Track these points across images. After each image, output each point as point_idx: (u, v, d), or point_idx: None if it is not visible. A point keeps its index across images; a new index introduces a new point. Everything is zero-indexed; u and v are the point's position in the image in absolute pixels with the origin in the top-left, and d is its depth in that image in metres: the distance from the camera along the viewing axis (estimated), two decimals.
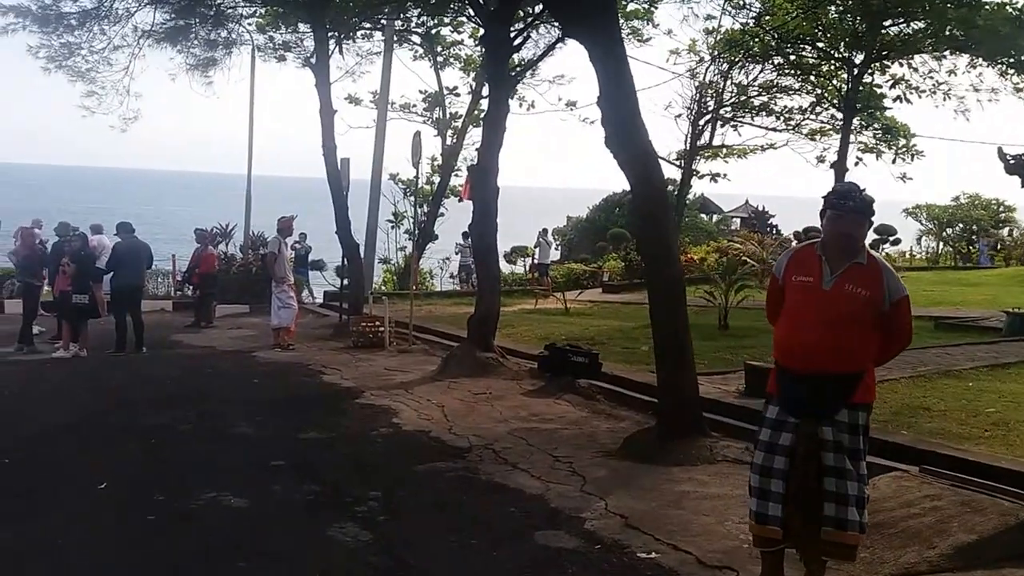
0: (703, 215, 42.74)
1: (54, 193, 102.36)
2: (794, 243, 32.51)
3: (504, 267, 30.63)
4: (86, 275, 13.12)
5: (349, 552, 5.19)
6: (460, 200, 28.38)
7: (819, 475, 4.18)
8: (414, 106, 27.58)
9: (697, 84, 25.28)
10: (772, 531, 4.26)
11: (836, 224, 4.28)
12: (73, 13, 16.68)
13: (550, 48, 13.03)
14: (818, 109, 23.52)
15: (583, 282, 28.36)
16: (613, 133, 7.20)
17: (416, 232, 21.88)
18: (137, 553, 5.23)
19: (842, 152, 20.90)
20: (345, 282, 24.20)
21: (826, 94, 22.52)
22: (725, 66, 24.57)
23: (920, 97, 20.46)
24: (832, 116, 23.15)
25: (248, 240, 22.82)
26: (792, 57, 22.36)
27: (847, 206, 4.26)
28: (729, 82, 24.84)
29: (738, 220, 43.61)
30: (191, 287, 18.98)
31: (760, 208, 42.88)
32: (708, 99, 25.58)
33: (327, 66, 16.29)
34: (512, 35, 11.69)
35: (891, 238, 36.23)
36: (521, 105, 25.65)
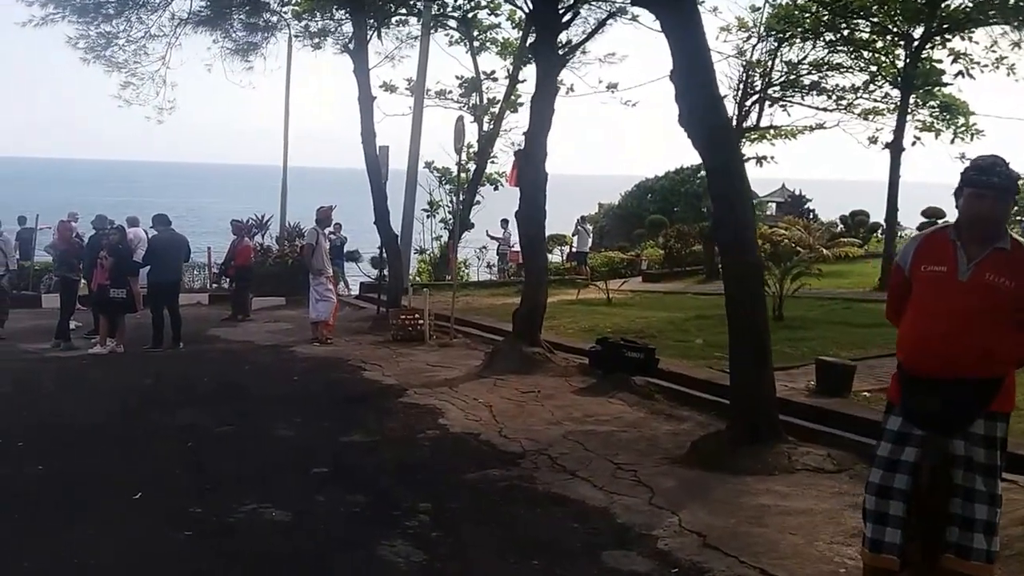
0: None
1: (89, 187, 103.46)
2: (840, 228, 31.75)
3: None
4: (124, 269, 12.84)
5: (401, 575, 4.75)
6: (496, 189, 27.97)
7: (945, 495, 3.65)
8: (450, 92, 27.09)
9: (744, 63, 24.51)
10: (888, 560, 3.73)
11: (976, 204, 3.68)
12: (111, 2, 16.45)
13: (602, 24, 12.49)
14: (872, 87, 22.57)
15: (621, 271, 27.88)
16: (689, 110, 6.62)
17: (454, 221, 21.41)
18: (173, 574, 4.85)
19: (898, 131, 20.07)
20: (383, 273, 24.06)
21: (881, 71, 21.60)
22: (774, 43, 23.78)
23: (983, 72, 19.53)
24: (886, 94, 22.24)
25: (284, 231, 22.54)
26: (846, 32, 21.48)
27: (990, 183, 3.65)
28: (778, 60, 24.04)
29: (773, 205, 42.66)
30: (227, 280, 18.73)
31: (796, 192, 41.86)
32: (755, 78, 24.80)
33: (365, 52, 15.90)
34: (560, 11, 11.17)
35: (939, 221, 35.12)
36: (559, 88, 25.01)
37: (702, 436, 7.08)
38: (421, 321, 14.02)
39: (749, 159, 26.37)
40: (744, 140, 25.67)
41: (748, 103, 24.87)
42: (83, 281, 14.21)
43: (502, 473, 6.68)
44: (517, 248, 29.98)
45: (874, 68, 22.17)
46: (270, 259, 20.87)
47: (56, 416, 8.70)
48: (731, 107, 24.91)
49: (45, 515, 5.77)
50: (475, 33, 25.72)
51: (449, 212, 27.58)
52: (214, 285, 21.65)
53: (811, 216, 39.83)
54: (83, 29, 16.16)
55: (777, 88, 24.85)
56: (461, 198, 26.53)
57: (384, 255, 17.52)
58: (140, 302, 13.32)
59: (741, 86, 24.64)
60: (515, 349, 10.80)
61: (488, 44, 26.84)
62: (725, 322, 13.54)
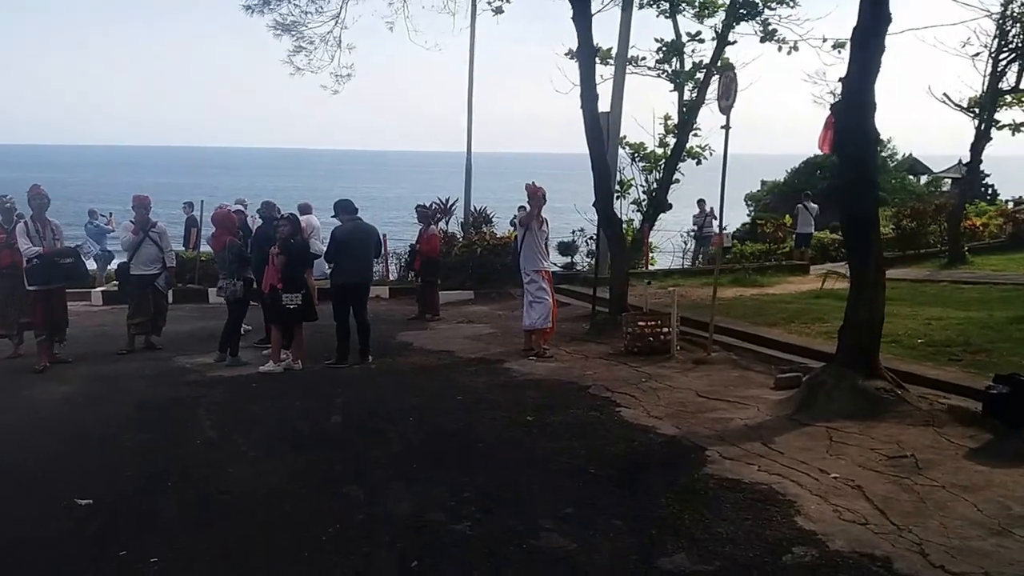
0: (911, 176, 39.20)
1: (254, 173, 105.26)
2: None
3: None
4: (299, 269, 10.18)
5: None
6: (698, 163, 24.31)
7: None
8: (643, 59, 23.58)
9: (997, 16, 19.94)
10: None
11: None
12: None
13: None
14: None
15: (832, 253, 24.01)
16: None
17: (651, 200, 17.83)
18: None
19: None
20: (573, 261, 20.99)
21: None
22: None
23: None
24: None
25: (469, 216, 19.70)
26: None
27: None
28: None
29: (949, 181, 38.42)
30: (414, 274, 15.99)
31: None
32: (1013, 32, 20.20)
33: None
34: None
35: None
36: (780, 49, 21.19)
37: None
38: (666, 330, 10.75)
39: (1004, 126, 21.91)
40: (1000, 105, 21.21)
41: (1003, 61, 20.42)
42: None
43: None
44: (719, 231, 26.37)
45: None
46: (456, 248, 18.05)
47: (211, 489, 5.93)
48: (984, 66, 20.60)
49: None
50: None
51: (643, 192, 24.22)
52: (391, 278, 19.05)
53: (989, 193, 36.56)
54: None
55: None
56: (657, 176, 23.26)
57: (599, 241, 14.32)
58: (316, 297, 10.63)
59: (995, 42, 20.20)
60: (846, 382, 7.35)
61: (684, 6, 23.20)
62: None
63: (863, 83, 7.75)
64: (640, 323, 10.96)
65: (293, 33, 14.80)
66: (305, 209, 16.18)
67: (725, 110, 10.07)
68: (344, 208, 10.74)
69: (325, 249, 11.11)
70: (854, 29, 7.84)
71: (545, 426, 7.45)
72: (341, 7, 14.67)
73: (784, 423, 7.21)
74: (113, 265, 18.44)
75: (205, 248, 18.29)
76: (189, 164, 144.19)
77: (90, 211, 20.77)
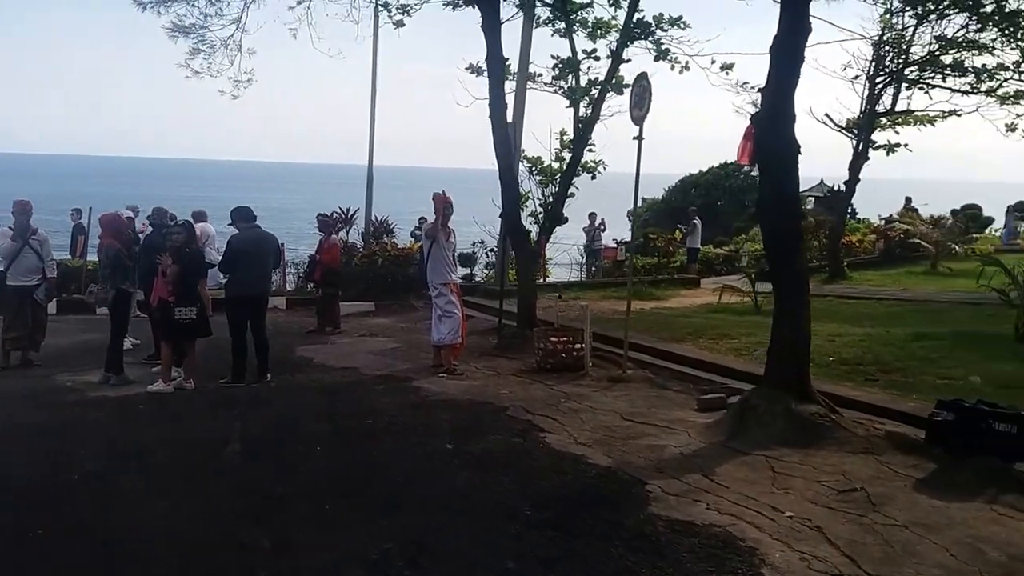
0: None
1: (149, 183, 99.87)
2: (950, 221, 27.29)
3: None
4: (193, 280, 8.97)
5: None
6: (593, 178, 23.84)
7: None
8: (540, 75, 23.00)
9: (874, 41, 20.26)
10: None
11: None
12: None
13: None
14: None
15: (717, 267, 24.00)
16: None
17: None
18: None
19: None
20: (472, 273, 20.14)
21: None
22: (912, 21, 19.58)
23: None
24: None
25: (370, 226, 18.59)
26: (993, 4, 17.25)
27: None
28: (919, 35, 19.83)
29: (812, 199, 39.62)
30: (314, 285, 14.82)
31: (836, 188, 38.20)
32: (889, 57, 20.58)
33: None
34: None
35: None
36: (673, 68, 20.91)
37: None
38: (579, 346, 10.02)
39: (880, 147, 22.22)
40: (876, 126, 21.55)
41: (879, 85, 20.76)
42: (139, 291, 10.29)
43: None
44: (613, 245, 26.05)
45: None
46: (356, 258, 16.94)
47: (90, 538, 4.78)
48: (862, 88, 20.89)
49: None
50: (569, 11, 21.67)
51: (539, 205, 23.65)
52: (290, 289, 17.76)
53: (850, 212, 37.54)
54: None
55: (915, 69, 20.61)
56: (552, 190, 22.68)
57: (502, 253, 13.60)
58: (210, 308, 9.42)
59: (872, 67, 20.51)
60: (779, 406, 6.73)
61: (577, 26, 22.73)
62: (960, 342, 9.57)
63: (783, 95, 7.21)
64: (552, 339, 10.19)
65: (192, 36, 13.39)
66: (200, 216, 14.82)
67: (638, 120, 9.45)
68: (242, 215, 9.56)
69: (221, 258, 9.93)
70: (774, 39, 7.29)
71: (467, 455, 6.55)
72: (242, 11, 13.36)
73: (720, 451, 6.53)
74: None
75: (92, 257, 16.62)
76: (80, 173, 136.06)
77: None
